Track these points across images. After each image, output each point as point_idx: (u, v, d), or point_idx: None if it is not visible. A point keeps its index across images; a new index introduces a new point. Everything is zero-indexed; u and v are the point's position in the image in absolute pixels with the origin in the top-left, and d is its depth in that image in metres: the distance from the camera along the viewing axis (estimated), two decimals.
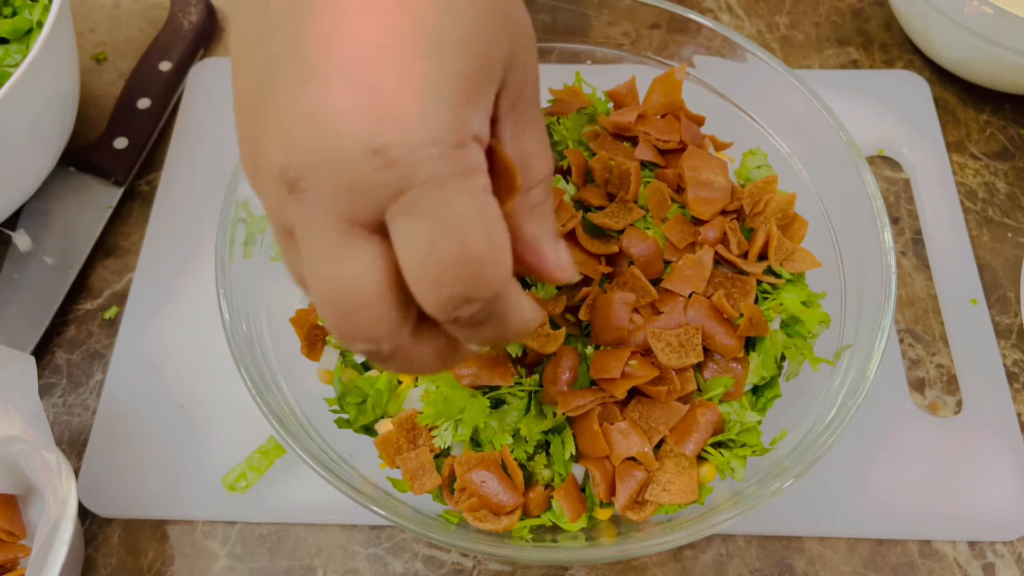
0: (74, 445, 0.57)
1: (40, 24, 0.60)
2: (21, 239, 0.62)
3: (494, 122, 0.30)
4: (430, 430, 0.45)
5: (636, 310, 0.46)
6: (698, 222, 0.49)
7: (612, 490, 0.44)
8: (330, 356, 0.49)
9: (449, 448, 0.45)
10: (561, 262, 0.33)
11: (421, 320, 0.30)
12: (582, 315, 0.47)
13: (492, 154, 0.29)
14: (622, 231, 0.48)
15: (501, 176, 0.29)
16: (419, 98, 0.26)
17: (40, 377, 0.59)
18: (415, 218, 0.26)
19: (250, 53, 0.28)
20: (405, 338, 0.29)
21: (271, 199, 0.28)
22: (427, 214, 0.26)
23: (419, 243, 0.26)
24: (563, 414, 0.43)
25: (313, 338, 0.50)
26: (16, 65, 0.58)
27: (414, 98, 0.25)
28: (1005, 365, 0.59)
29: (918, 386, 0.58)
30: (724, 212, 0.50)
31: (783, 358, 0.48)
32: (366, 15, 0.26)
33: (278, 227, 0.29)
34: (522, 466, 0.45)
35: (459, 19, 0.27)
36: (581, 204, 0.50)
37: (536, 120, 0.32)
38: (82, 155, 0.66)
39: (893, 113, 0.70)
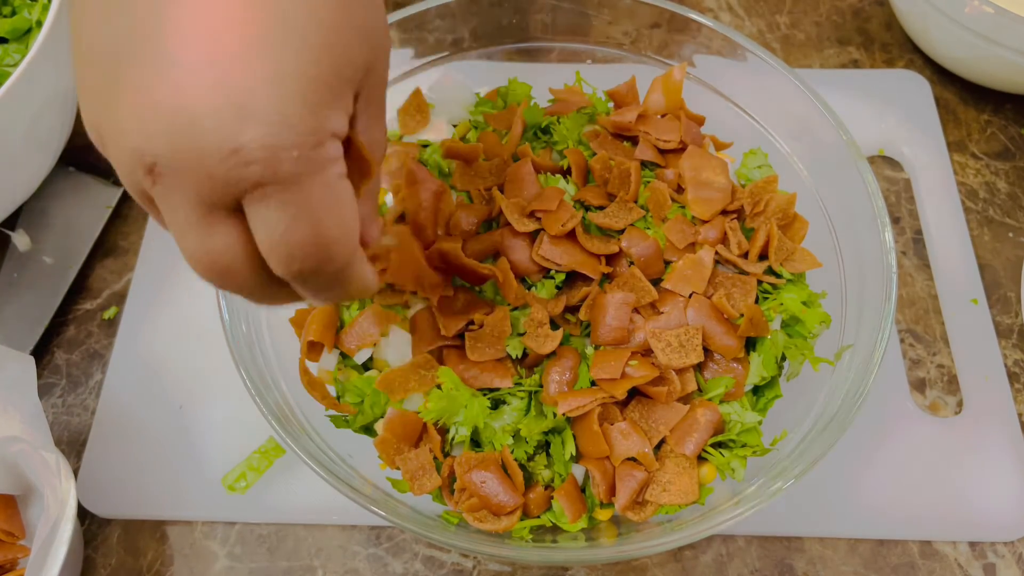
0: (73, 445, 0.57)
1: (39, 23, 0.60)
2: (21, 239, 0.62)
3: (351, 117, 0.31)
4: (437, 427, 0.45)
5: (636, 310, 0.46)
6: (698, 222, 0.49)
7: (612, 490, 0.44)
8: (329, 356, 0.49)
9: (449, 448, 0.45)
10: (378, 235, 0.37)
11: None
12: (582, 315, 0.47)
13: (348, 143, 0.31)
14: (622, 231, 0.48)
15: (356, 163, 0.31)
16: (281, 101, 0.26)
17: (40, 377, 0.59)
18: (271, 208, 0.28)
19: (105, 13, 0.28)
20: (272, 284, 0.32)
21: (124, 171, 0.29)
22: (283, 204, 0.27)
23: (275, 229, 0.28)
24: (563, 414, 0.43)
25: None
26: (15, 65, 0.58)
27: (276, 100, 0.26)
28: (1006, 365, 0.59)
29: (919, 386, 0.58)
30: (724, 212, 0.49)
31: (783, 358, 0.48)
32: (232, 12, 0.26)
33: (135, 192, 0.30)
34: (522, 466, 0.45)
35: (322, 26, 0.28)
36: (581, 204, 0.50)
37: (382, 114, 0.34)
38: (82, 155, 0.66)
39: (894, 113, 0.70)
